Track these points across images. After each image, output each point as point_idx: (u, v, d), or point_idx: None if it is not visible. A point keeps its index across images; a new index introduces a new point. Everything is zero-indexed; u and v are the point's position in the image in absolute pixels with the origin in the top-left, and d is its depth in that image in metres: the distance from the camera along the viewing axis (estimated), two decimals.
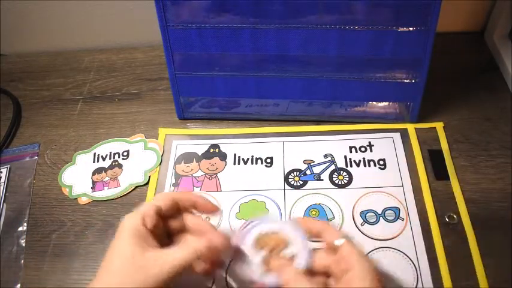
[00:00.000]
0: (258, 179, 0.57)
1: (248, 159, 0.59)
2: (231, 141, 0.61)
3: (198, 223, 0.44)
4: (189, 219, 0.45)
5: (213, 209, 0.46)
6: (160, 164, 0.60)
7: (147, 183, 0.58)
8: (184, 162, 0.60)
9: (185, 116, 0.64)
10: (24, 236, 0.55)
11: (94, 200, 0.57)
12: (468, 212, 0.51)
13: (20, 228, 0.55)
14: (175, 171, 0.59)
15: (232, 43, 0.56)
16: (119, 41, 0.79)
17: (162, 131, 0.63)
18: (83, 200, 0.57)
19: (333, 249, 0.40)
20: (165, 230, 0.43)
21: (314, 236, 0.42)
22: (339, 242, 0.39)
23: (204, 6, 0.53)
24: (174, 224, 0.44)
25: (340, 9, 0.51)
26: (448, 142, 0.58)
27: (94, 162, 0.61)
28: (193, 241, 0.41)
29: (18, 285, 0.51)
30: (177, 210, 0.44)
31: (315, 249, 0.41)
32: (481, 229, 0.50)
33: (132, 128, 0.65)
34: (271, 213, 0.53)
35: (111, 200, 0.57)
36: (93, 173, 0.60)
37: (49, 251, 0.53)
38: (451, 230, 0.50)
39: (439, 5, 0.49)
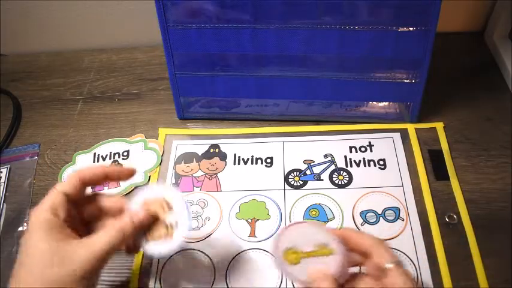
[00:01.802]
0: (258, 179, 0.57)
1: (248, 159, 0.59)
2: (231, 141, 0.61)
3: (115, 201, 0.42)
4: (104, 201, 0.42)
5: (129, 172, 0.43)
6: (160, 164, 0.60)
7: (147, 183, 0.58)
8: (184, 162, 0.60)
9: (185, 116, 0.64)
10: None
11: None
12: (468, 212, 0.51)
13: (20, 228, 0.55)
14: (175, 171, 0.59)
15: (233, 43, 0.56)
16: (119, 41, 0.79)
17: (162, 131, 0.63)
18: None
19: (380, 270, 0.37)
20: (79, 217, 0.41)
21: (361, 254, 0.39)
22: (388, 265, 0.36)
23: (204, 6, 0.53)
24: (88, 209, 0.42)
25: (340, 9, 0.51)
26: (448, 142, 0.58)
27: (94, 162, 0.61)
28: (116, 221, 0.39)
29: None
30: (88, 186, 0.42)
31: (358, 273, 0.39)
32: (481, 229, 0.50)
33: (132, 128, 0.65)
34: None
35: None
36: None
37: None
38: (451, 230, 0.50)
39: (439, 5, 0.49)
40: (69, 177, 0.41)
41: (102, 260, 0.37)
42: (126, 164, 0.60)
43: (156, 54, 0.76)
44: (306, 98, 0.60)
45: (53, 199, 0.39)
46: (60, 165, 0.61)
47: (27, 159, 0.63)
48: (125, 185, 0.58)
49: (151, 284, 0.49)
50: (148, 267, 0.50)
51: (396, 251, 0.49)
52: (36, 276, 0.35)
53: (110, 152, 0.62)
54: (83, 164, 0.61)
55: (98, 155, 0.62)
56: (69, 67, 0.77)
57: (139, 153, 0.61)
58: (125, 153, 0.61)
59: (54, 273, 0.35)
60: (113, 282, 0.49)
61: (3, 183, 0.60)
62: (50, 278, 0.35)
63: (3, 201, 0.58)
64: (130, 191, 0.57)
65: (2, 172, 0.61)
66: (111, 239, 0.37)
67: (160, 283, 0.49)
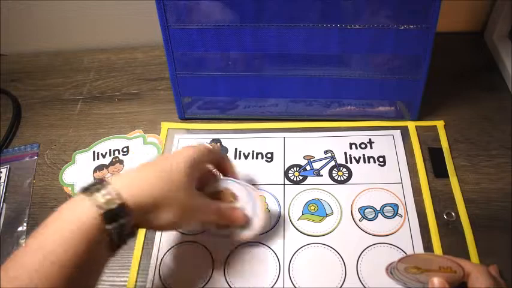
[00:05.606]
0: (258, 173, 0.57)
1: (249, 153, 0.59)
2: (232, 136, 0.62)
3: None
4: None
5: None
6: None
7: None
8: None
9: (186, 116, 0.64)
10: (24, 236, 0.55)
11: None
12: (467, 212, 0.51)
13: (20, 228, 0.55)
14: None
15: (233, 42, 0.56)
16: (119, 41, 0.79)
17: (165, 125, 0.64)
18: None
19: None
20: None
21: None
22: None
23: (205, 5, 0.53)
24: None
25: (340, 8, 0.51)
26: (448, 141, 0.58)
27: (94, 160, 0.61)
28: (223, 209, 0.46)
29: None
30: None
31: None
32: (480, 229, 0.50)
33: (132, 128, 0.64)
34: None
35: None
36: (94, 171, 0.60)
37: None
38: (450, 228, 0.50)
39: (439, 2, 0.50)
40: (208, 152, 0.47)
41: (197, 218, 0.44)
42: (127, 159, 0.60)
43: (156, 54, 0.76)
44: (307, 96, 0.60)
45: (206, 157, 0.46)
46: (59, 165, 0.61)
47: (27, 159, 0.63)
48: None
49: (150, 276, 0.50)
50: (148, 259, 0.51)
51: (394, 247, 0.49)
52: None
53: (110, 149, 0.62)
54: (83, 163, 0.61)
55: (98, 152, 0.62)
56: (68, 67, 0.77)
57: (139, 148, 0.62)
58: (125, 149, 0.62)
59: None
60: (113, 282, 0.49)
61: (3, 183, 0.60)
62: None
63: (3, 201, 0.58)
64: None
65: (1, 172, 0.61)
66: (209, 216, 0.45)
67: (159, 275, 0.49)
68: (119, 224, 0.36)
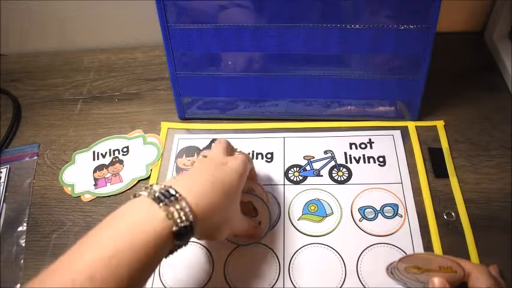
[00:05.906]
0: (258, 173, 0.57)
1: (249, 154, 0.59)
2: (232, 136, 0.61)
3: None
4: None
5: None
6: (161, 157, 0.60)
7: (150, 176, 0.58)
8: (185, 156, 0.60)
9: (186, 116, 0.64)
10: (24, 236, 0.55)
11: (98, 197, 0.57)
12: (467, 212, 0.51)
13: (20, 228, 0.55)
14: (176, 164, 0.59)
15: (233, 43, 0.56)
16: (119, 41, 0.79)
17: (164, 125, 0.64)
18: (87, 198, 0.57)
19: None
20: None
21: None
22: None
23: (205, 5, 0.53)
24: None
25: (340, 8, 0.51)
26: (447, 141, 0.58)
27: (94, 160, 0.61)
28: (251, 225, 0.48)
29: (18, 285, 0.51)
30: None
31: None
32: (480, 229, 0.50)
33: (132, 128, 0.64)
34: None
35: (115, 195, 0.57)
36: (94, 171, 0.60)
37: (49, 251, 0.53)
38: (450, 228, 0.50)
39: (439, 2, 0.49)
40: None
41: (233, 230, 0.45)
42: (127, 159, 0.60)
43: (156, 54, 0.76)
44: (307, 96, 0.60)
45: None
46: (59, 165, 0.61)
47: (27, 159, 0.63)
48: (127, 180, 0.58)
49: (150, 278, 0.49)
50: None
51: (394, 247, 0.49)
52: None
53: (110, 149, 0.62)
54: (83, 163, 0.61)
55: (98, 152, 0.62)
56: (68, 67, 0.77)
57: (139, 148, 0.62)
58: (125, 149, 0.62)
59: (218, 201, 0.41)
60: None
61: (3, 183, 0.60)
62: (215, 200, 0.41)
63: (3, 201, 0.58)
64: (133, 186, 0.58)
65: (1, 172, 0.61)
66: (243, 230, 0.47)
67: (160, 277, 0.49)
68: (187, 239, 0.38)
